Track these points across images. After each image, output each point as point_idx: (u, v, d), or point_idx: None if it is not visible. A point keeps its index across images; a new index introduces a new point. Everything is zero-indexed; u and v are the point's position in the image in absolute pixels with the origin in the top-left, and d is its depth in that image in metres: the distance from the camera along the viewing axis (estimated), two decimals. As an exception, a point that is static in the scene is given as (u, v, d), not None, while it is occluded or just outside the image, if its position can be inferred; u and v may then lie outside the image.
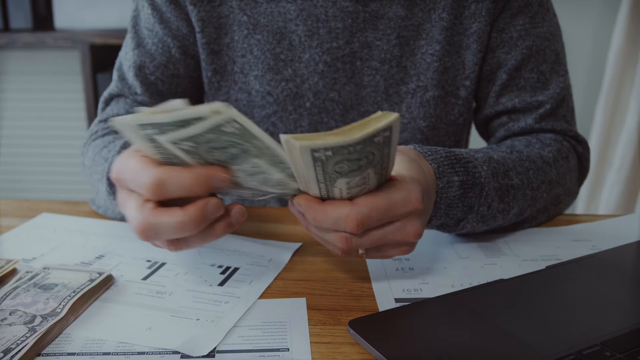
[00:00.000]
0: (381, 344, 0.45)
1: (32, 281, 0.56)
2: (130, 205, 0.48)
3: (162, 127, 0.43)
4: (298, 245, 0.66)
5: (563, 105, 0.78)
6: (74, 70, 1.96)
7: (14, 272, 0.60)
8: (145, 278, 0.59)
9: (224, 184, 0.47)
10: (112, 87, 0.84)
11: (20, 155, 2.15)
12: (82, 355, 0.46)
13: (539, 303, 0.52)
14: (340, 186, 0.46)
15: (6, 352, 0.44)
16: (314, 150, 0.41)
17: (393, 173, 0.50)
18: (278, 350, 0.47)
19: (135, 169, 0.47)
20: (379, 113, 0.43)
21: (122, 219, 0.70)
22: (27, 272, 0.57)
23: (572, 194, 0.78)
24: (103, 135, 0.75)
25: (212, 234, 0.49)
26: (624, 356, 0.44)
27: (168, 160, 0.48)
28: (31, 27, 1.87)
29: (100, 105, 0.86)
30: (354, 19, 0.75)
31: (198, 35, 0.78)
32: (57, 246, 0.66)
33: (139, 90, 0.80)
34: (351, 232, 0.47)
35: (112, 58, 1.97)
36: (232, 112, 0.41)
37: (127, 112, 0.79)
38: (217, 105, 0.40)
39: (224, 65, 0.79)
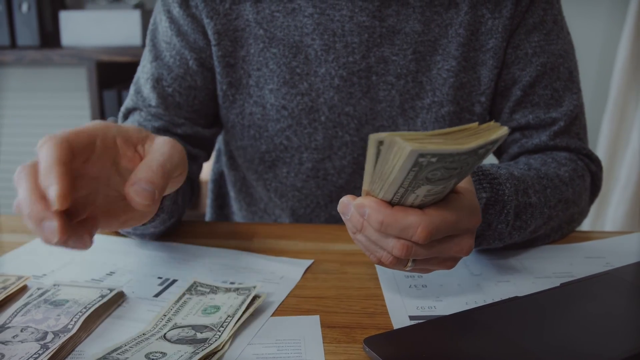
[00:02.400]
0: (398, 362, 0.45)
1: (43, 297, 0.55)
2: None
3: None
4: (310, 262, 0.65)
5: (576, 122, 0.78)
6: (80, 87, 1.97)
7: (24, 289, 0.59)
8: (156, 295, 0.58)
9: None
10: (128, 102, 0.83)
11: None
12: (95, 373, 0.46)
13: (554, 321, 0.52)
14: (419, 193, 0.44)
15: (19, 369, 0.44)
16: (421, 155, 0.39)
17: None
18: (292, 368, 0.46)
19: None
20: (490, 123, 0.42)
21: (132, 234, 0.70)
22: (38, 288, 0.57)
23: (584, 214, 0.77)
24: None
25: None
26: (643, 375, 0.43)
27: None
28: (38, 44, 1.88)
29: (119, 121, 0.85)
30: (371, 33, 0.75)
31: (214, 48, 0.78)
32: (68, 263, 0.66)
33: (153, 102, 0.79)
34: (417, 241, 0.46)
35: (118, 75, 2.00)
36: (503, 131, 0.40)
37: (140, 125, 0.78)
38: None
39: (239, 78, 0.79)
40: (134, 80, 0.83)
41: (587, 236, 0.74)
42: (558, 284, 0.59)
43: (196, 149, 0.82)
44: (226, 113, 0.82)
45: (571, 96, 0.78)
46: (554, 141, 0.77)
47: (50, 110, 2.06)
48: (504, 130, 0.40)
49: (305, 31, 0.76)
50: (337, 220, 0.85)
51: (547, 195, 0.66)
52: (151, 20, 0.83)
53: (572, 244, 0.71)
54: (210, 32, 0.77)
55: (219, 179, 1.02)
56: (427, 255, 0.49)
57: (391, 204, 0.47)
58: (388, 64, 0.77)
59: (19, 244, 0.71)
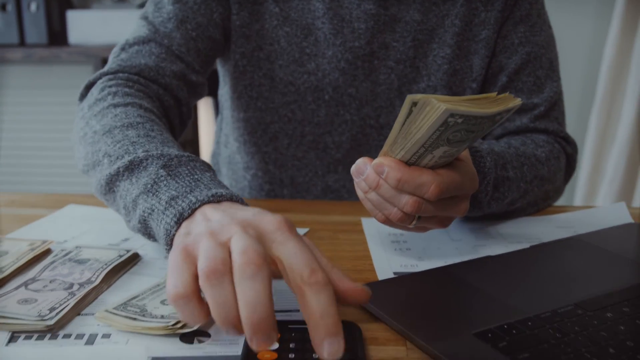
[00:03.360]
0: (382, 305, 0.51)
1: (67, 257, 0.62)
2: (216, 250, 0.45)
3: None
4: (305, 230, 0.72)
5: (555, 108, 0.85)
6: (87, 84, 2.04)
7: (48, 251, 0.66)
8: (167, 258, 0.65)
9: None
10: (141, 32, 0.79)
11: (36, 166, 2.22)
12: (117, 314, 0.52)
13: (522, 274, 0.59)
14: (436, 154, 0.50)
15: (51, 310, 0.50)
16: (451, 115, 0.44)
17: None
18: (290, 311, 0.53)
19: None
20: (506, 94, 0.48)
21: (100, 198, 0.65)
22: (62, 250, 0.64)
23: (559, 192, 0.84)
24: (126, 105, 0.68)
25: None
26: (592, 314, 0.50)
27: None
28: (46, 42, 1.95)
29: (115, 52, 0.80)
30: (376, 21, 0.82)
31: (233, 17, 0.83)
32: (86, 231, 0.72)
33: (178, 40, 0.78)
34: (429, 198, 0.52)
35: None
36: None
37: (157, 67, 0.76)
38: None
39: (252, 50, 0.85)
40: (141, 16, 0.82)
41: (560, 210, 0.81)
42: (528, 246, 0.65)
43: (193, 99, 0.83)
44: (235, 83, 0.88)
45: (552, 84, 0.85)
46: (534, 124, 0.84)
47: (57, 107, 2.12)
48: (518, 101, 0.47)
49: (317, 15, 0.83)
50: (332, 190, 0.92)
51: (524, 171, 0.72)
52: None
53: (545, 216, 0.78)
54: (232, 1, 0.82)
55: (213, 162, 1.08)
56: (433, 212, 0.55)
57: (407, 164, 0.53)
58: (389, 49, 0.84)
59: (40, 217, 0.77)
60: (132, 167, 0.57)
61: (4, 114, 2.16)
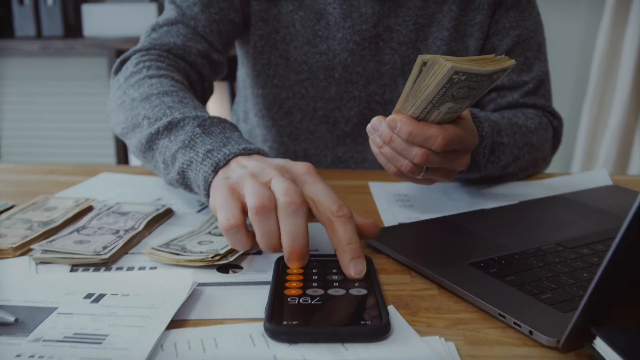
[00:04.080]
0: (390, 243, 0.60)
1: (110, 210, 0.70)
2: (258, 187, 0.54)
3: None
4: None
5: (543, 85, 0.94)
6: (101, 74, 2.12)
7: (90, 208, 0.74)
8: (198, 212, 0.73)
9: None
10: (169, 14, 0.88)
11: (53, 155, 2.29)
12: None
13: (511, 222, 0.67)
14: (442, 110, 0.58)
15: (104, 248, 0.58)
16: (455, 72, 0.52)
17: None
18: (309, 250, 0.61)
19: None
20: (502, 56, 0.56)
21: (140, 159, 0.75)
22: (104, 205, 0.72)
23: (547, 161, 0.92)
24: (159, 70, 0.78)
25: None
26: (571, 250, 0.58)
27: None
28: (62, 34, 2.03)
29: (146, 32, 0.88)
30: (381, 6, 0.91)
31: (252, 2, 0.92)
32: (121, 193, 0.80)
33: (203, 22, 0.86)
34: (436, 149, 0.59)
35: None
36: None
37: (184, 46, 0.85)
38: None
39: (269, 33, 0.94)
40: (169, 0, 0.90)
41: (549, 175, 0.89)
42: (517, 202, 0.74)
43: (215, 76, 0.92)
44: (254, 63, 0.97)
45: (539, 64, 0.93)
46: (523, 99, 0.92)
47: (73, 97, 2.20)
48: (512, 61, 0.55)
49: (328, 0, 0.92)
50: (341, 161, 1.01)
51: (516, 138, 0.81)
52: None
53: (534, 180, 0.86)
54: None
55: None
56: (440, 164, 0.62)
57: (417, 120, 0.60)
58: (393, 32, 0.92)
59: (77, 183, 0.85)
60: (170, 127, 0.66)
61: (22, 104, 2.24)
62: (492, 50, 0.94)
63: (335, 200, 0.52)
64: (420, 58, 0.54)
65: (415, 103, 0.58)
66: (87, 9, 2.02)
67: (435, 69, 0.53)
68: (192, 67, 0.87)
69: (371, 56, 0.93)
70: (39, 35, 2.04)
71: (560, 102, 2.01)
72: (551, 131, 0.91)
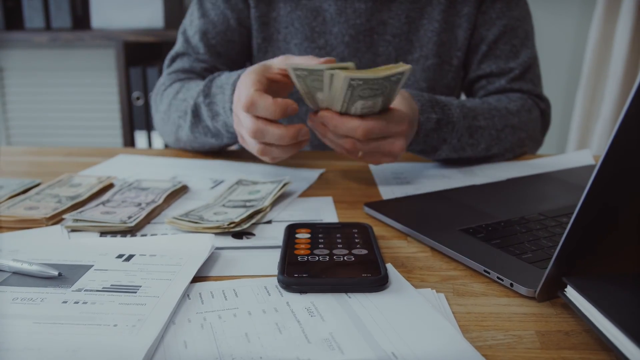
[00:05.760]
0: (387, 213, 0.66)
1: (132, 186, 0.76)
2: (248, 115, 0.70)
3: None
4: (322, 170, 0.86)
5: (530, 71, 1.00)
6: (109, 65, 2.17)
7: (111, 186, 0.80)
8: (211, 188, 0.79)
9: (295, 112, 0.69)
10: (178, 47, 1.04)
11: (61, 145, 2.35)
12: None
13: (498, 196, 0.73)
14: (357, 106, 0.68)
15: (129, 217, 0.64)
16: (352, 80, 0.64)
17: (392, 106, 0.72)
18: (314, 220, 0.67)
19: (240, 87, 0.70)
20: (400, 63, 0.66)
21: (202, 147, 0.93)
22: (125, 182, 0.78)
23: (536, 141, 0.98)
24: (171, 84, 0.96)
25: (288, 150, 0.71)
26: (552, 219, 0.64)
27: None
28: (70, 26, 2.08)
29: (166, 62, 1.05)
30: (374, 1, 0.97)
31: (252, 10, 0.99)
32: (139, 172, 0.86)
33: (202, 50, 1.00)
34: (357, 138, 0.70)
35: (143, 54, 2.21)
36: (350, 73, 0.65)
37: (191, 67, 1.01)
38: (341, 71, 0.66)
39: (271, 34, 1.01)
40: (181, 30, 1.05)
41: (537, 157, 0.95)
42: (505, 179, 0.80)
43: None
44: (260, 61, 1.02)
45: (526, 51, 0.99)
46: (510, 85, 0.98)
47: (82, 88, 2.26)
48: (407, 67, 0.66)
49: None
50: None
51: (495, 122, 0.87)
52: None
53: (525, 161, 0.92)
54: None
55: None
56: (369, 149, 0.72)
57: (341, 114, 0.71)
58: (386, 25, 0.98)
59: (95, 163, 0.91)
60: (195, 110, 0.84)
61: (31, 94, 2.29)
62: (480, 40, 0.99)
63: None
64: (327, 73, 0.66)
65: (333, 103, 0.69)
66: (95, 1, 2.07)
67: (336, 79, 0.66)
68: (202, 77, 0.99)
69: (366, 48, 0.99)
70: (47, 27, 2.09)
71: (553, 91, 2.07)
72: (537, 112, 0.97)
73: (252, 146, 0.73)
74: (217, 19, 1.00)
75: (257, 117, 0.69)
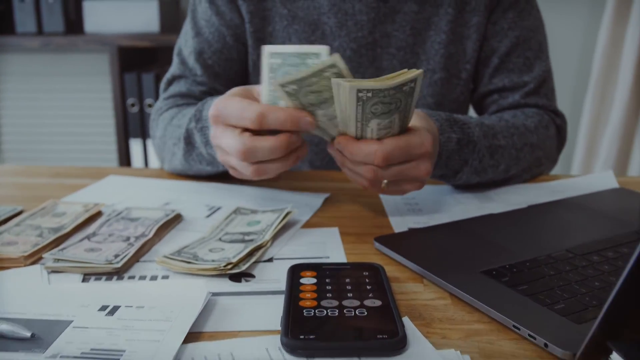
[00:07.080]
0: (401, 251, 0.60)
1: (120, 215, 0.70)
2: (229, 135, 0.62)
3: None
4: (327, 195, 0.80)
5: (544, 85, 0.94)
6: (103, 70, 2.11)
7: (99, 214, 0.74)
8: (207, 217, 0.73)
9: (308, 126, 0.61)
10: (174, 70, 0.98)
11: (54, 152, 2.29)
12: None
13: (520, 227, 0.67)
14: (372, 126, 0.60)
15: (116, 256, 0.58)
16: (359, 90, 0.56)
17: (410, 125, 0.65)
18: (320, 257, 0.61)
19: (239, 106, 0.61)
20: (407, 70, 0.58)
21: (198, 174, 0.87)
22: (113, 210, 0.72)
23: (552, 159, 0.92)
24: (168, 109, 0.90)
25: (287, 162, 0.64)
26: (581, 257, 0.58)
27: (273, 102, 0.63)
28: (63, 31, 2.02)
29: (162, 86, 0.99)
30: (376, 13, 0.90)
31: (247, 25, 0.93)
32: (129, 197, 0.80)
33: (199, 72, 0.94)
34: (377, 165, 0.61)
35: (137, 59, 2.14)
36: (335, 58, 0.57)
37: (189, 90, 0.94)
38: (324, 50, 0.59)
39: None
40: (176, 51, 0.98)
41: (554, 178, 0.89)
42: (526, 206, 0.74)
43: None
44: (256, 80, 0.96)
45: (540, 63, 0.93)
46: (525, 100, 0.92)
47: (75, 93, 2.19)
48: (418, 72, 0.57)
49: (322, 11, 0.91)
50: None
51: (515, 140, 0.81)
52: (190, 0, 0.98)
53: (542, 183, 0.86)
54: (244, 12, 0.92)
55: None
56: (391, 177, 0.63)
57: (357, 139, 0.63)
58: (390, 38, 0.92)
59: (84, 186, 0.85)
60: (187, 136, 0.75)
61: (23, 100, 2.23)
62: (491, 52, 0.93)
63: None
64: (332, 80, 0.57)
65: (348, 124, 0.61)
66: (88, 5, 2.01)
67: (341, 91, 0.57)
68: (201, 98, 0.93)
69: (369, 62, 0.93)
70: (39, 31, 2.03)
71: (561, 99, 2.00)
72: (554, 129, 0.91)
73: (245, 170, 0.65)
74: (212, 37, 0.94)
75: (241, 132, 0.62)
